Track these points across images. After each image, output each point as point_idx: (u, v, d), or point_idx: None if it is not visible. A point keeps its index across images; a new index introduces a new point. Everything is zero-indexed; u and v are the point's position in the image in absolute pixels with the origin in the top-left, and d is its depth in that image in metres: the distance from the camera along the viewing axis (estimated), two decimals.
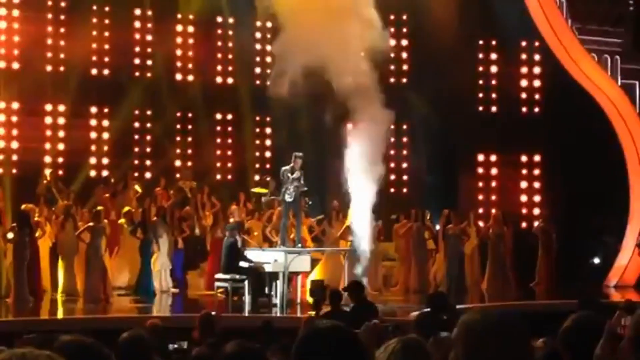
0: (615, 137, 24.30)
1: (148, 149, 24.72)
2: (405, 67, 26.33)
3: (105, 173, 23.75)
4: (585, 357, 4.38)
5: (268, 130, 25.90)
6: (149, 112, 24.69)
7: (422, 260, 22.40)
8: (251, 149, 25.61)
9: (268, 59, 25.74)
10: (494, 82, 26.15)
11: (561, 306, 16.63)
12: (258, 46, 25.83)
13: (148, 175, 24.32)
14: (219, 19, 25.39)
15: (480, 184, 25.92)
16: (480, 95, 26.14)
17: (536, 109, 25.99)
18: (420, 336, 4.14)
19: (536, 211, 25.44)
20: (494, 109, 26.09)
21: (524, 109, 26.02)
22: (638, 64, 25.14)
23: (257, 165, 25.59)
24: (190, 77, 25.06)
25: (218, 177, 25.25)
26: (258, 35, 25.80)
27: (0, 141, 23.06)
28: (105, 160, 24.12)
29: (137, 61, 24.63)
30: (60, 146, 23.79)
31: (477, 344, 3.13)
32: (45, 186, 21.80)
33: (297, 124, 23.72)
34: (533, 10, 24.45)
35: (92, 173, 23.81)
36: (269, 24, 25.63)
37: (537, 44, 25.61)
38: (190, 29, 25.09)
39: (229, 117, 25.50)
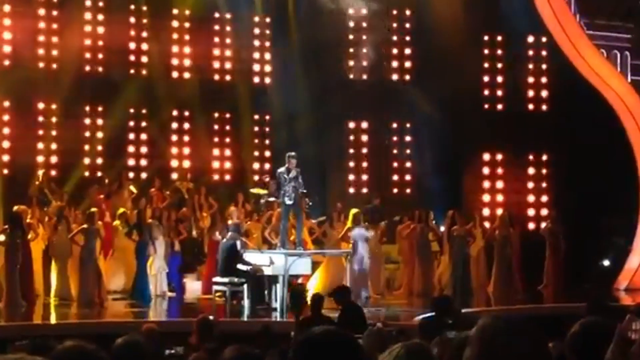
0: (624, 135, 24.30)
1: (143, 149, 24.73)
2: (408, 64, 26.32)
3: (99, 173, 23.74)
4: None
5: (267, 129, 25.91)
6: (144, 111, 24.70)
7: (426, 263, 22.40)
8: (250, 149, 25.61)
9: (267, 56, 25.79)
10: (499, 79, 26.15)
11: (569, 310, 16.60)
12: (257, 42, 25.84)
13: (143, 175, 24.33)
14: (216, 15, 25.41)
15: (486, 184, 25.92)
16: (486, 92, 26.13)
17: (543, 107, 25.99)
18: (425, 341, 4.16)
19: (544, 212, 25.45)
20: (499, 106, 26.08)
21: (531, 107, 26.02)
22: None
23: (256, 166, 25.60)
24: (187, 75, 25.06)
25: (216, 177, 25.25)
26: (257, 31, 25.81)
27: None
28: (99, 160, 24.13)
29: (132, 58, 24.63)
30: (53, 146, 23.79)
31: (494, 351, 3.13)
32: (38, 187, 21.81)
33: (297, 123, 23.78)
34: (540, 5, 24.44)
35: (86, 173, 23.80)
36: (267, 20, 25.72)
37: (544, 39, 25.61)
38: (187, 24, 25.09)
39: (227, 115, 25.50)
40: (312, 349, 3.30)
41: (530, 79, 26.11)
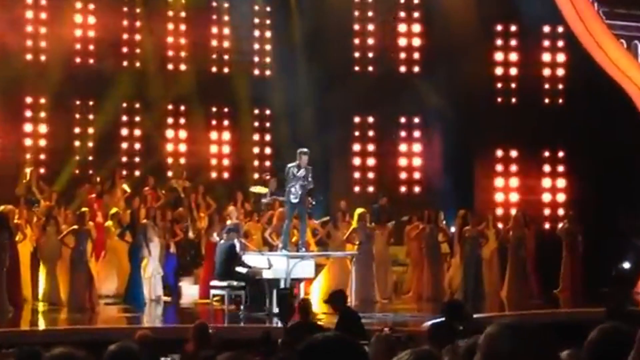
0: None
1: (137, 145, 24.77)
2: (417, 55, 26.31)
3: (90, 171, 23.75)
4: None
5: (268, 124, 25.93)
6: (137, 105, 24.73)
7: (436, 265, 22.41)
8: (249, 145, 25.64)
9: (267, 47, 25.79)
10: (513, 71, 26.14)
11: (587, 315, 16.64)
12: (257, 32, 25.85)
13: (137, 173, 24.36)
14: (214, 3, 25.43)
15: (500, 182, 25.93)
16: (499, 85, 26.13)
17: (560, 100, 25.99)
18: (435, 348, 4.16)
19: (560, 211, 25.45)
20: (513, 100, 26.08)
21: (547, 100, 26.03)
22: None
23: (256, 163, 25.62)
24: (183, 67, 25.09)
25: (214, 175, 25.28)
26: (256, 20, 25.82)
27: None
28: (90, 158, 24.16)
29: (125, 49, 24.67)
30: (42, 142, 23.84)
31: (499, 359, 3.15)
32: (26, 186, 21.84)
33: (300, 117, 23.79)
34: None
35: (77, 171, 23.84)
36: (268, 8, 25.72)
37: (560, 29, 25.61)
38: (183, 14, 25.12)
39: (225, 110, 25.53)
40: (316, 356, 3.30)
41: (546, 72, 26.10)
